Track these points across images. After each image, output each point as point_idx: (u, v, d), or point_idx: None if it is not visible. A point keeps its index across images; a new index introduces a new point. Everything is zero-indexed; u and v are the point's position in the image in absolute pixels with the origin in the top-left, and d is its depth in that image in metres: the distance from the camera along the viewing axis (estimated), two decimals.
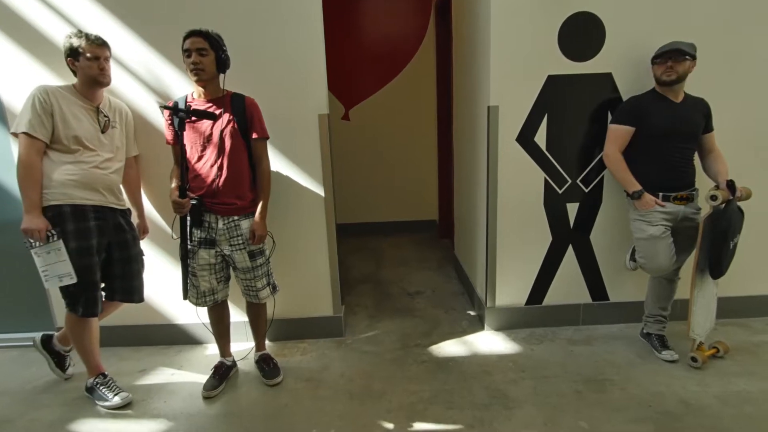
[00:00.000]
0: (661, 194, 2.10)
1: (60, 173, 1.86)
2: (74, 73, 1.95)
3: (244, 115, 1.94)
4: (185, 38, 1.85)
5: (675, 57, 2.00)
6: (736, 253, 2.08)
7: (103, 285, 2.06)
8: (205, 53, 1.84)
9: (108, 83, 1.99)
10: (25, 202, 1.81)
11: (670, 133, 2.07)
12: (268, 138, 2.04)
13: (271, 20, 2.18)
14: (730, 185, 2.01)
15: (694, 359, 2.11)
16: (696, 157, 2.16)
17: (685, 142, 2.09)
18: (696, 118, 2.09)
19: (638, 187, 2.12)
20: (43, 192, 1.84)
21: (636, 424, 1.77)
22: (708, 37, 2.22)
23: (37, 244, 1.82)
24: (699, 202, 2.15)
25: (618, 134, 2.15)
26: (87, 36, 1.90)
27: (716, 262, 2.04)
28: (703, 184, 2.15)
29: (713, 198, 2.00)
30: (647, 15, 2.22)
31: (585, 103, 2.31)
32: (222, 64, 1.90)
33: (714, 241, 2.02)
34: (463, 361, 2.27)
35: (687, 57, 2.00)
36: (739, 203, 2.04)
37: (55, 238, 1.83)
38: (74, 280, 1.87)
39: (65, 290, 1.91)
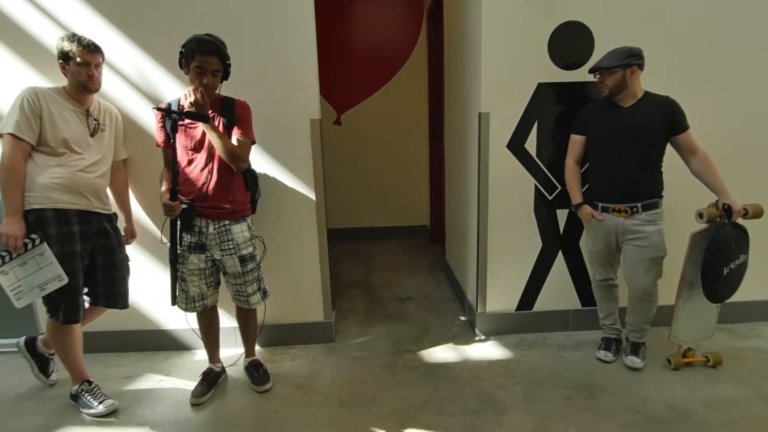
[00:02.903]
0: (600, 205, 2.12)
1: (44, 176, 1.83)
2: (66, 75, 1.93)
3: (233, 117, 1.93)
4: (199, 52, 1.76)
5: (601, 72, 2.00)
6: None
7: (86, 290, 2.02)
8: (218, 74, 1.83)
9: (96, 90, 1.96)
10: (6, 206, 1.77)
11: (610, 140, 2.04)
12: (251, 140, 1.97)
13: (263, 25, 2.18)
14: (727, 210, 1.93)
15: (668, 361, 2.15)
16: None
17: (631, 149, 2.00)
18: (646, 121, 1.98)
19: (578, 200, 2.19)
20: (25, 195, 1.80)
21: (624, 429, 1.79)
22: (695, 42, 2.28)
23: (7, 258, 1.76)
24: (668, 217, 2.08)
25: (572, 144, 2.21)
26: (79, 40, 1.87)
27: (709, 287, 2.00)
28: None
29: (700, 216, 1.96)
30: (635, 23, 2.26)
31: (575, 111, 2.33)
32: (226, 75, 1.89)
33: (705, 263, 1.96)
34: (453, 367, 2.27)
35: (614, 69, 1.95)
36: (743, 221, 1.94)
37: (37, 243, 1.78)
38: (65, 281, 1.82)
39: (46, 296, 1.86)
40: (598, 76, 2.04)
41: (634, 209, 2.03)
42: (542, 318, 2.55)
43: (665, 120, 1.98)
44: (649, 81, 2.22)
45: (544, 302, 2.55)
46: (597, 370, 2.18)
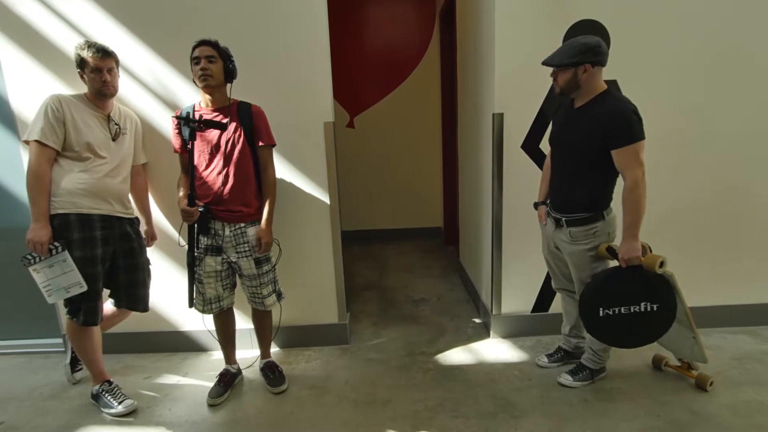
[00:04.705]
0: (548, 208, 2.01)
1: (69, 181, 1.88)
2: (85, 82, 1.97)
3: (251, 123, 1.96)
4: (194, 48, 1.87)
5: (554, 68, 1.79)
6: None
7: (109, 292, 2.07)
8: (214, 60, 1.86)
9: (112, 94, 1.99)
10: (33, 211, 1.83)
11: (554, 141, 1.93)
12: (274, 145, 2.05)
13: (276, 28, 2.20)
14: (611, 252, 1.77)
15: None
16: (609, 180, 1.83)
17: (565, 154, 1.86)
18: (582, 130, 1.76)
19: (539, 198, 2.10)
20: (51, 200, 1.86)
21: None
22: (711, 41, 2.22)
23: (37, 259, 1.82)
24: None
25: None
26: (90, 46, 1.90)
27: (585, 323, 1.85)
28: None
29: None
30: (651, 21, 2.22)
31: None
32: (230, 73, 1.92)
33: (581, 296, 1.86)
34: (468, 369, 2.25)
35: (565, 66, 1.72)
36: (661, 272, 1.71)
37: (60, 250, 1.83)
38: (84, 288, 1.87)
39: (68, 298, 1.91)
40: (552, 72, 1.82)
41: (559, 222, 1.90)
42: (559, 320, 2.50)
43: (600, 130, 1.70)
44: (666, 78, 2.19)
45: (560, 304, 2.51)
46: (615, 374, 2.14)
